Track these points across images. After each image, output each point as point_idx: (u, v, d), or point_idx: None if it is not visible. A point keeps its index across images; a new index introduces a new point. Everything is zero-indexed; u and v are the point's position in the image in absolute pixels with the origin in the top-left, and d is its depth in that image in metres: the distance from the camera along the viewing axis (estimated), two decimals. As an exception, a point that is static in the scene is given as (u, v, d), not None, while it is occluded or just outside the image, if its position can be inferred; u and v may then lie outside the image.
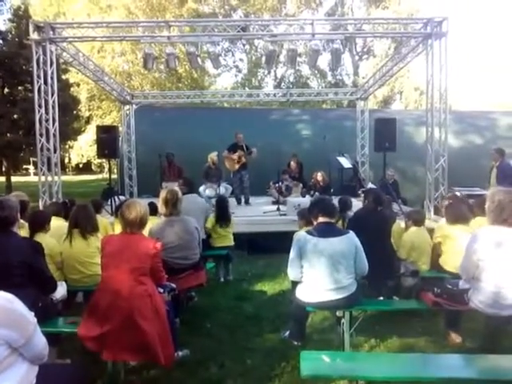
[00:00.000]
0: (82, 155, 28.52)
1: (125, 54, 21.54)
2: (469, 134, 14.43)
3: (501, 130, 14.68)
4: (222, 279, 5.83)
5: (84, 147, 27.46)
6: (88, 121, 25.03)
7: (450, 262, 4.20)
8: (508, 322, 3.44)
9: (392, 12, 25.41)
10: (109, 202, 8.48)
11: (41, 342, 2.05)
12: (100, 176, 32.65)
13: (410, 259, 4.62)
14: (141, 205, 3.23)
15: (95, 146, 23.19)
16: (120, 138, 12.22)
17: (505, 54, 58.17)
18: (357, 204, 6.54)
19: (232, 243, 5.88)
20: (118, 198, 8.95)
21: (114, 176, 13.34)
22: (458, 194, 6.11)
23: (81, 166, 36.72)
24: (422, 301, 3.68)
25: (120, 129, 12.95)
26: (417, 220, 4.88)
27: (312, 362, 2.60)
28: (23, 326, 1.93)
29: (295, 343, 3.76)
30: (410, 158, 12.22)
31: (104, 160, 27.27)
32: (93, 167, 35.31)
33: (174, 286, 3.44)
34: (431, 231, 5.04)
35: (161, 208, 4.19)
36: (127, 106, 13.24)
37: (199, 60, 9.80)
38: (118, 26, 9.24)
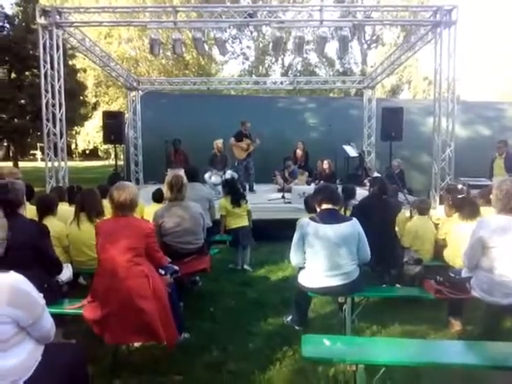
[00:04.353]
0: (89, 141, 28.68)
1: (132, 40, 21.45)
2: (476, 124, 14.31)
3: (508, 121, 14.54)
4: (240, 267, 5.76)
5: (91, 133, 27.57)
6: (95, 107, 25.07)
7: (456, 257, 4.15)
8: (509, 310, 3.46)
9: (402, 0, 25.04)
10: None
11: (48, 323, 2.10)
12: (106, 162, 32.83)
13: (414, 248, 4.64)
14: (130, 187, 3.22)
15: (102, 132, 23.36)
16: (126, 125, 12.25)
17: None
18: (362, 193, 6.52)
19: (247, 223, 5.77)
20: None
21: (121, 162, 13.42)
22: (459, 185, 6.07)
23: (87, 152, 36.92)
24: (425, 289, 3.69)
25: (126, 115, 12.96)
26: (421, 209, 4.88)
27: (313, 345, 2.63)
28: (32, 306, 1.98)
29: (297, 328, 3.80)
30: (416, 147, 12.17)
31: (110, 146, 27.41)
32: (99, 153, 35.48)
33: (176, 268, 3.46)
34: (436, 220, 5.06)
35: (166, 192, 4.21)
36: (133, 93, 13.22)
37: (206, 46, 9.75)
38: (124, 11, 9.22)
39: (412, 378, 2.98)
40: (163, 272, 3.28)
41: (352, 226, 3.51)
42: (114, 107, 22.21)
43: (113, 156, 32.73)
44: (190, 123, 13.19)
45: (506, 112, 14.97)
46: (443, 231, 4.61)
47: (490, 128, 14.12)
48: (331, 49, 27.28)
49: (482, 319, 3.62)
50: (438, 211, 5.55)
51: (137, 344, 3.34)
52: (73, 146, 35.87)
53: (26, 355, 1.99)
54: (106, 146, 28.16)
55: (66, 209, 4.74)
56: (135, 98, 13.23)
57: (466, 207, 4.34)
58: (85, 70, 21.29)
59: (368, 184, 8.75)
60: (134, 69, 20.90)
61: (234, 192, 5.84)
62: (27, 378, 1.96)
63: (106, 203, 4.59)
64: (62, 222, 4.23)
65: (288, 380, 3.08)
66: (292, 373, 3.16)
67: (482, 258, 3.32)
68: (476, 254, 3.36)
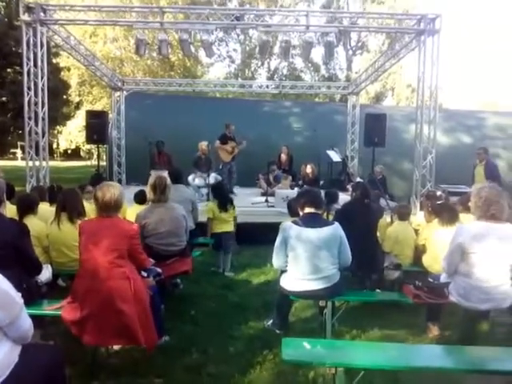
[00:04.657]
0: (71, 141, 28.24)
1: (117, 39, 21.28)
2: (457, 132, 14.58)
3: (489, 130, 14.86)
4: (221, 270, 5.76)
5: (73, 133, 27.19)
6: (78, 106, 24.77)
7: (435, 263, 4.21)
8: (485, 315, 3.54)
9: (388, 8, 25.43)
10: (91, 188, 8.41)
11: (26, 323, 2.07)
12: (88, 162, 32.40)
13: (394, 253, 4.70)
14: (114, 187, 3.19)
15: (84, 131, 23.07)
16: (110, 125, 12.13)
17: (495, 55, 58.60)
18: (344, 198, 6.58)
19: (231, 229, 5.78)
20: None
21: (103, 163, 13.28)
22: (438, 192, 6.19)
23: (69, 151, 36.36)
24: (404, 294, 3.74)
25: (110, 115, 12.84)
26: (402, 214, 4.96)
27: (293, 348, 2.64)
28: (9, 306, 1.95)
29: (278, 332, 3.81)
30: (399, 154, 12.32)
31: (93, 146, 27.07)
32: (81, 153, 35.00)
33: (159, 270, 3.45)
34: (416, 226, 5.14)
35: (149, 194, 4.19)
36: (118, 93, 13.13)
37: (192, 48, 9.74)
38: (110, 10, 9.16)
39: (390, 382, 3.02)
40: (146, 274, 3.27)
41: (334, 230, 3.55)
42: (98, 107, 21.96)
43: (95, 156, 32.35)
44: (175, 125, 13.13)
45: (487, 121, 15.29)
46: (423, 237, 4.69)
47: (471, 136, 14.40)
48: (317, 54, 27.49)
49: (459, 324, 3.68)
50: (418, 217, 5.64)
51: (116, 346, 3.31)
52: (54, 146, 35.28)
53: (3, 355, 1.95)
54: (88, 146, 27.83)
55: (46, 208, 4.68)
56: (119, 98, 13.13)
57: (445, 213, 4.41)
58: (69, 69, 21.02)
59: (350, 189, 8.85)
60: (119, 69, 20.72)
61: (222, 197, 5.85)
62: (3, 378, 1.92)
63: (86, 203, 4.57)
64: (43, 221, 4.17)
65: (268, 382, 3.09)
66: (272, 376, 3.17)
67: (461, 263, 3.37)
68: (455, 260, 3.42)
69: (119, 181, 12.61)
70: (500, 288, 3.24)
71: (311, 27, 8.47)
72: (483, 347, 2.87)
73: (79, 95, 23.48)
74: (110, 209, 3.09)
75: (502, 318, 3.67)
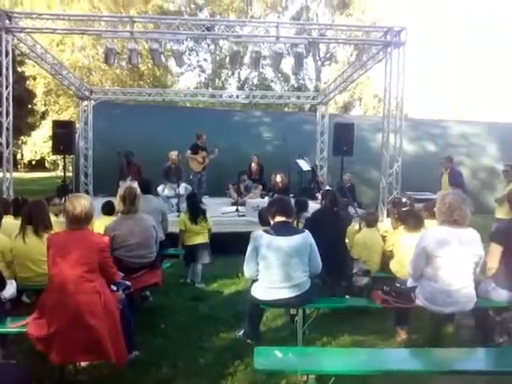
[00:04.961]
0: (36, 152, 27.41)
1: (85, 48, 20.95)
2: (423, 140, 15.02)
3: (453, 138, 15.38)
4: (192, 281, 5.72)
5: (38, 143, 26.43)
6: (43, 116, 24.15)
7: (402, 268, 4.29)
8: (451, 318, 3.65)
9: (356, 20, 26.00)
10: (63, 201, 8.22)
11: None
12: (54, 174, 31.55)
13: (362, 259, 4.79)
14: (85, 199, 3.15)
15: (50, 142, 22.43)
16: (77, 135, 11.89)
17: (459, 66, 61.03)
18: (314, 206, 6.66)
19: (204, 241, 5.74)
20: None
21: (69, 174, 12.97)
22: (403, 199, 6.36)
23: (34, 162, 35.28)
24: (373, 299, 3.81)
25: (77, 125, 12.59)
26: (369, 221, 5.07)
27: (265, 357, 2.65)
28: None
29: (249, 342, 3.80)
30: (366, 162, 12.54)
31: (59, 157, 26.38)
32: (46, 164, 34.04)
33: (128, 283, 3.40)
34: (384, 233, 5.26)
35: (118, 205, 4.13)
36: (85, 102, 12.90)
37: (162, 58, 9.70)
38: (79, 19, 9.02)
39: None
40: (115, 288, 3.21)
41: (304, 238, 3.59)
42: (65, 117, 21.46)
43: (61, 167, 31.53)
44: (144, 134, 13.00)
45: (451, 129, 15.83)
46: (390, 243, 4.79)
47: (436, 144, 14.85)
48: (287, 64, 27.83)
49: (426, 327, 3.78)
50: (385, 224, 5.77)
51: (84, 363, 3.23)
52: (18, 156, 34.20)
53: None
54: (53, 157, 27.09)
55: (10, 222, 4.53)
56: (87, 107, 12.90)
57: (411, 220, 4.54)
58: (34, 78, 20.51)
59: (320, 197, 8.97)
60: (87, 78, 20.37)
61: (194, 208, 5.82)
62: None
63: (52, 216, 4.47)
64: (7, 235, 4.04)
65: (240, 394, 3.08)
66: (244, 386, 3.16)
67: (426, 268, 3.48)
68: (420, 265, 3.51)
69: (86, 192, 12.32)
70: (463, 291, 3.36)
71: (281, 38, 8.59)
72: (449, 349, 2.97)
73: (45, 105, 22.92)
74: (80, 221, 3.03)
75: (465, 321, 3.81)
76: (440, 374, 2.80)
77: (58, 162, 27.53)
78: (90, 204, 3.09)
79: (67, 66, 14.25)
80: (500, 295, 3.62)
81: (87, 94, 12.75)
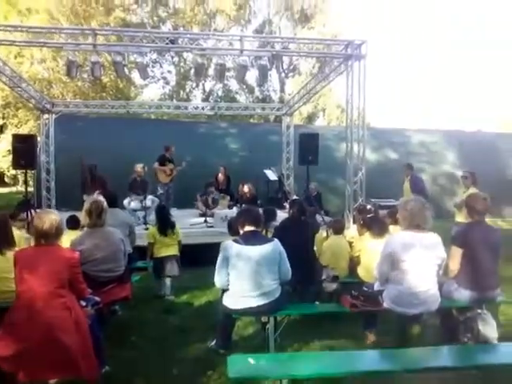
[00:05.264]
0: (-5, 167, 26.41)
1: (45, 60, 20.48)
2: (385, 149, 15.51)
3: (413, 147, 15.97)
4: (162, 293, 5.66)
5: (-4, 158, 25.46)
6: (1, 130, 23.38)
7: (368, 273, 4.39)
8: (417, 319, 3.78)
9: (317, 33, 26.64)
10: (25, 216, 7.96)
11: None
12: (14, 189, 30.45)
13: (331, 265, 4.88)
14: (54, 214, 3.13)
15: (9, 156, 21.59)
16: (38, 149, 11.57)
17: (420, 76, 63.53)
18: (282, 215, 6.74)
19: (174, 253, 5.71)
20: (35, 211, 8.46)
21: (31, 189, 12.58)
22: (368, 206, 6.55)
23: (-8, 177, 33.94)
24: (342, 304, 3.90)
25: (38, 139, 12.25)
26: (336, 229, 5.19)
27: (238, 365, 2.68)
28: None
29: (221, 351, 3.80)
30: (331, 171, 12.81)
31: (19, 172, 25.49)
32: (6, 179, 32.79)
33: (97, 299, 3.35)
34: (350, 239, 5.39)
35: (84, 219, 4.06)
36: (46, 115, 12.60)
37: (126, 70, 9.63)
38: (39, 32, 8.82)
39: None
40: (84, 303, 3.16)
41: (274, 247, 3.64)
42: (24, 130, 20.85)
43: (21, 182, 30.42)
44: (108, 147, 12.82)
45: (411, 138, 16.43)
46: (356, 249, 4.93)
47: (397, 153, 15.37)
48: (251, 76, 28.10)
49: (393, 329, 3.90)
50: (351, 230, 5.92)
51: (52, 381, 3.13)
52: (-25, 172, 32.86)
53: None
54: (13, 172, 26.17)
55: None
56: (48, 120, 12.60)
57: (376, 226, 4.69)
58: (-9, 91, 19.85)
59: (288, 206, 9.08)
60: (47, 90, 19.89)
61: (163, 220, 5.78)
62: None
63: (15, 232, 4.33)
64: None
65: (214, 403, 3.08)
66: (218, 396, 3.16)
67: (392, 272, 3.59)
68: (386, 269, 3.63)
69: (48, 206, 11.99)
70: (429, 292, 3.49)
71: (245, 51, 8.71)
72: (416, 348, 3.09)
73: (3, 118, 22.23)
74: (49, 237, 2.99)
75: (431, 321, 3.96)
76: (409, 373, 2.90)
77: (19, 176, 26.61)
78: (59, 218, 3.08)
79: (26, 78, 13.90)
80: (462, 295, 3.77)
81: (48, 106, 12.45)
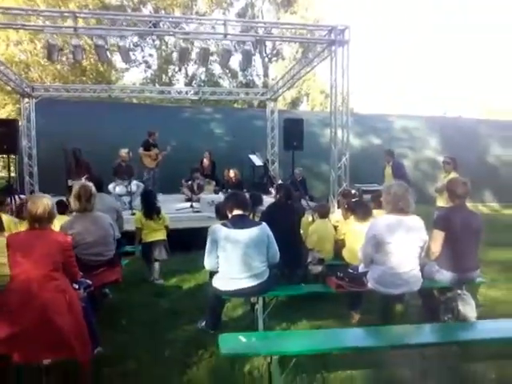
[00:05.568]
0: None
1: (21, 42, 19.93)
2: (368, 134, 15.69)
3: (396, 132, 16.20)
4: (152, 278, 5.70)
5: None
6: (-21, 114, 22.78)
7: (353, 255, 4.50)
8: (400, 298, 3.94)
9: (300, 17, 26.53)
10: (9, 201, 7.88)
11: None
12: (-8, 175, 29.88)
13: (316, 248, 5.00)
14: (47, 198, 3.16)
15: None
16: (19, 134, 11.37)
17: (402, 62, 63.97)
18: (268, 200, 6.82)
19: (161, 237, 5.75)
20: (19, 197, 8.38)
21: (12, 174, 12.39)
22: (352, 190, 6.69)
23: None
24: (328, 285, 4.03)
25: (19, 123, 12.04)
26: (322, 213, 5.30)
27: (229, 342, 2.78)
28: None
29: (211, 332, 3.89)
30: (315, 156, 12.94)
31: (-1, 157, 24.96)
32: (-16, 165, 32.08)
33: (89, 282, 3.41)
34: (335, 223, 5.52)
35: (74, 203, 4.07)
36: (27, 99, 12.36)
37: (108, 54, 9.49)
38: (18, 14, 8.61)
39: (320, 366, 3.24)
40: (77, 286, 3.21)
41: (262, 230, 3.74)
42: (2, 114, 20.40)
43: (0, 167, 29.82)
44: (90, 132, 12.67)
45: (394, 123, 16.64)
46: (341, 232, 5.06)
47: (380, 138, 15.57)
48: (234, 61, 27.90)
49: (377, 309, 4.05)
50: (336, 215, 6.05)
51: (46, 361, 3.19)
52: (-48, 157, 32.03)
53: None
54: (-8, 157, 25.64)
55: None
56: (28, 105, 12.36)
57: (360, 210, 4.81)
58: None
59: (273, 192, 9.18)
60: (25, 74, 19.42)
61: (148, 205, 5.80)
62: None
63: (3, 216, 4.33)
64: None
65: (206, 380, 3.18)
66: (210, 374, 3.26)
67: (376, 253, 3.72)
68: (370, 251, 3.76)
69: (32, 192, 11.86)
70: (411, 273, 3.64)
71: (229, 36, 8.67)
72: (399, 326, 3.24)
73: (-20, 102, 21.66)
74: (43, 221, 3.04)
75: (413, 301, 4.12)
76: (392, 349, 3.04)
77: (-2, 162, 26.07)
78: (52, 202, 3.12)
79: (3, 61, 13.56)
80: (443, 276, 3.92)
81: (28, 90, 12.21)
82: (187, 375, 3.24)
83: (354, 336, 3.06)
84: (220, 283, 3.70)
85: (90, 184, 4.22)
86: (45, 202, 3.05)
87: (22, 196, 8.94)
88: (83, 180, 5.38)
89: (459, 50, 60.51)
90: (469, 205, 4.20)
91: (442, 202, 6.72)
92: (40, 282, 2.87)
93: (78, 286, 3.26)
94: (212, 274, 4.15)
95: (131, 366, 3.38)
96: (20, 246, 2.96)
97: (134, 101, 22.77)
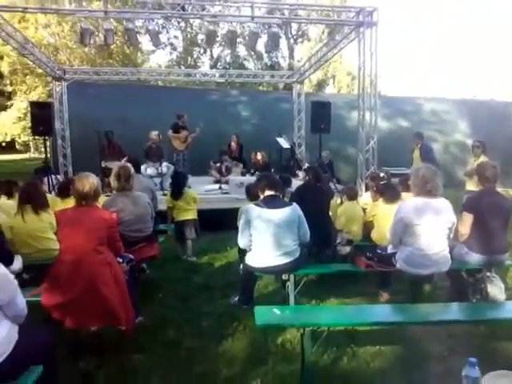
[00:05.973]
0: (6, 133, 26.60)
1: (49, 25, 20.28)
2: (396, 117, 15.48)
3: (425, 115, 15.91)
4: (184, 256, 5.91)
5: (7, 124, 25.63)
6: (10, 96, 23.44)
7: (382, 236, 4.54)
8: (428, 279, 4.02)
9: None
10: (45, 181, 8.23)
11: (21, 302, 2.21)
12: (26, 155, 30.83)
13: (345, 230, 5.11)
14: (92, 177, 3.37)
15: (19, 123, 21.72)
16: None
17: (431, 44, 62.15)
18: (295, 183, 6.93)
19: (191, 217, 5.90)
20: (56, 177, 8.74)
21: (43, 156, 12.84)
22: (381, 173, 6.72)
23: (3, 144, 34.20)
24: (357, 265, 4.14)
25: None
26: (350, 195, 5.37)
27: (264, 315, 2.94)
28: (8, 286, 2.08)
29: (244, 307, 4.08)
30: (343, 139, 12.91)
31: (30, 138, 25.70)
32: (17, 146, 33.07)
33: (131, 256, 3.62)
34: (364, 205, 5.59)
35: (113, 183, 4.27)
36: (58, 82, 12.69)
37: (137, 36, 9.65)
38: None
39: (349, 339, 3.40)
40: (121, 260, 3.43)
41: (293, 210, 3.87)
42: (33, 97, 20.92)
43: (32, 149, 30.70)
44: (121, 115, 12.93)
45: (423, 106, 16.33)
46: (370, 214, 5.13)
47: (409, 121, 15.32)
48: (259, 42, 27.73)
49: (406, 288, 4.15)
50: (364, 197, 6.11)
51: (94, 327, 3.44)
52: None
53: (6, 333, 2.08)
54: (24, 139, 26.41)
55: (4, 202, 4.67)
56: (61, 87, 12.70)
57: (388, 192, 4.87)
58: (1, 57, 19.82)
59: (300, 174, 9.28)
60: (54, 56, 19.82)
61: (175, 186, 6.00)
62: (7, 354, 2.06)
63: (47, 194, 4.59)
64: (3, 214, 4.17)
65: (241, 351, 3.37)
66: (244, 345, 3.45)
67: (405, 235, 3.80)
68: (398, 233, 3.83)
69: (65, 173, 12.29)
70: (440, 254, 3.71)
71: (256, 18, 8.67)
72: (427, 304, 3.34)
73: (11, 84, 22.25)
74: (89, 198, 3.25)
75: (442, 282, 4.20)
76: (419, 325, 3.16)
77: (30, 143, 26.85)
78: (97, 181, 3.33)
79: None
80: (472, 258, 3.97)
81: (60, 73, 12.52)
82: (223, 346, 3.44)
83: (384, 312, 3.18)
84: (253, 260, 3.86)
85: (129, 165, 4.42)
86: (91, 181, 3.27)
87: (58, 176, 9.29)
88: (123, 161, 5.59)
89: (491, 31, 58.33)
90: (500, 190, 4.20)
91: (471, 185, 6.68)
92: (87, 255, 3.08)
93: (122, 259, 3.48)
94: (241, 252, 4.33)
95: (170, 336, 3.60)
96: (68, 222, 3.18)
97: (160, 83, 22.98)
